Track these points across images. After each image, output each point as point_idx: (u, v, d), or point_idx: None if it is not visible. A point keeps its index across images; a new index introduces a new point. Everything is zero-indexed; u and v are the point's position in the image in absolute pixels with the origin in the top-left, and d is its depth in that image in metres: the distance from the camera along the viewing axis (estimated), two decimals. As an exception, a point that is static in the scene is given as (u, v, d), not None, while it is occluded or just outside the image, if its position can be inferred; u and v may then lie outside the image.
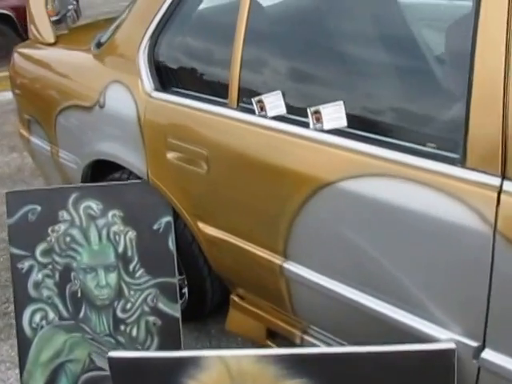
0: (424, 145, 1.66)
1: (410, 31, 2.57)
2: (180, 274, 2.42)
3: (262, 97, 1.93)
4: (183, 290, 2.51)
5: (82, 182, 2.60)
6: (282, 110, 1.90)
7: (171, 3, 2.19)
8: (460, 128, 1.52)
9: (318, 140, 1.80)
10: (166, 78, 2.30)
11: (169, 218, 2.35)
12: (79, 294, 2.27)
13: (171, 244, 2.31)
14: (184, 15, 2.23)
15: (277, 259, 1.98)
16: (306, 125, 1.83)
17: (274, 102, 1.91)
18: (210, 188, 2.13)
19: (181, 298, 2.43)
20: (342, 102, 1.76)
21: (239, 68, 1.99)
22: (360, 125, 1.78)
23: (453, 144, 1.57)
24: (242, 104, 2.02)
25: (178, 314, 2.28)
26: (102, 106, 2.42)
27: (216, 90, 2.14)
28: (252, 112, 1.97)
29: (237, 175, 2.03)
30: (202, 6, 2.31)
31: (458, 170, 1.52)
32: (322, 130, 1.80)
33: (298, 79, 2.09)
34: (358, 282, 1.78)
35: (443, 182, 1.54)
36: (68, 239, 2.30)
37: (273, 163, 1.90)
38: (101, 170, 2.56)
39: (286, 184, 1.87)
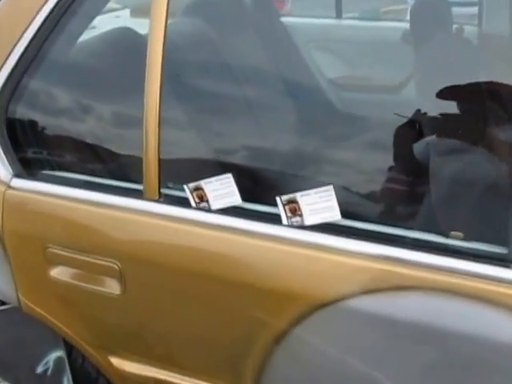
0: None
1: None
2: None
3: (202, 183, 1.33)
4: None
5: None
6: (234, 200, 1.32)
7: (40, 28, 1.45)
8: None
9: (300, 241, 1.26)
10: (33, 155, 1.57)
11: (59, 353, 1.64)
12: None
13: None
14: (59, 51, 1.52)
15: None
16: (274, 218, 1.28)
17: (221, 189, 1.32)
18: (128, 314, 1.47)
19: None
20: (331, 187, 1.23)
21: (157, 136, 1.35)
22: (363, 214, 1.27)
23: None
24: (166, 192, 1.39)
25: None
26: None
27: (122, 172, 1.49)
28: (184, 204, 1.36)
29: (170, 296, 1.40)
30: (88, 36, 1.63)
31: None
32: (303, 227, 1.26)
33: (257, 151, 1.52)
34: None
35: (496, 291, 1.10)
36: None
37: (230, 279, 1.31)
38: None
39: (254, 308, 1.30)
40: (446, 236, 1.20)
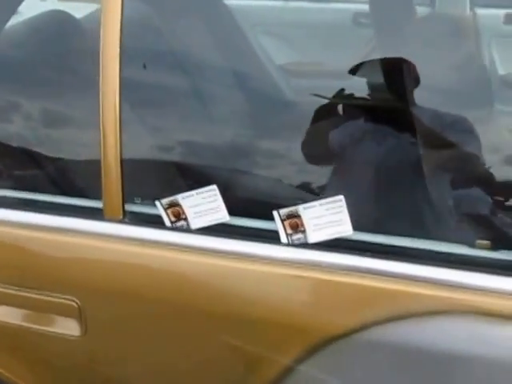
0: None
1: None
2: None
3: (179, 197, 1.09)
4: None
5: None
6: (221, 217, 1.09)
7: None
8: None
9: (304, 262, 1.05)
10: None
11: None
12: None
13: None
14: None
15: None
16: (270, 236, 1.07)
17: (204, 204, 1.08)
18: (90, 358, 1.21)
19: None
20: (341, 197, 1.02)
21: (118, 139, 1.10)
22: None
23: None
24: (132, 209, 1.14)
25: None
26: None
27: (73, 187, 1.23)
28: (156, 224, 1.12)
29: (142, 336, 1.16)
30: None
31: None
32: (306, 245, 1.05)
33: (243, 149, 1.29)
34: None
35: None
36: None
37: (218, 311, 1.09)
38: None
39: (249, 344, 1.08)
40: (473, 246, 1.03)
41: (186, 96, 1.66)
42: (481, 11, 2.26)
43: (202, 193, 1.07)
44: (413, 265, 1.00)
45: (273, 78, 2.38)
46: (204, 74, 1.83)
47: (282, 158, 1.59)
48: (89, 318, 1.14)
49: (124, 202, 1.12)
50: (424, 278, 0.98)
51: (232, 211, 1.09)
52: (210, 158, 1.55)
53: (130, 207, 1.14)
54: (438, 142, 1.25)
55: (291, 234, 1.05)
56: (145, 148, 1.28)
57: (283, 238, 1.05)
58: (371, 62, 1.39)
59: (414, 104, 1.28)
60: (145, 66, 1.24)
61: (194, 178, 1.18)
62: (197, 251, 1.09)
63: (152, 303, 1.11)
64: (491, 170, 1.22)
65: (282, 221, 1.04)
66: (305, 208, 1.03)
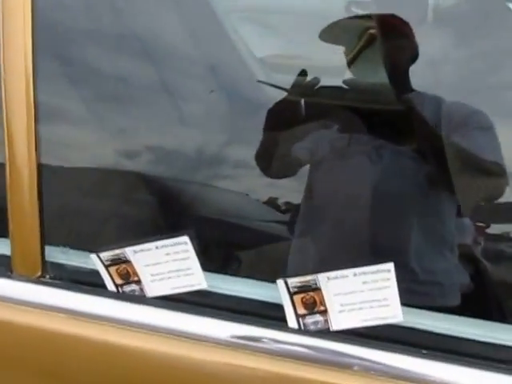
0: None
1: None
2: None
3: (127, 251, 0.69)
4: None
5: None
6: (195, 282, 0.70)
7: None
8: None
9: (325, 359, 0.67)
10: None
11: None
12: None
13: None
14: None
15: None
16: (275, 320, 0.69)
17: (168, 263, 0.69)
18: None
19: None
20: (391, 265, 0.65)
21: (33, 156, 0.71)
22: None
23: None
24: (55, 261, 0.75)
25: None
26: None
27: None
28: (93, 285, 0.72)
29: None
30: None
31: None
32: (327, 333, 0.67)
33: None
34: None
35: None
36: None
37: None
38: None
39: None
40: None
41: (147, 92, 1.31)
42: None
43: (166, 246, 0.68)
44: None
45: (251, 73, 2.02)
46: (170, 65, 1.47)
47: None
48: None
49: (43, 252, 0.72)
50: None
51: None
52: (176, 174, 1.19)
53: (52, 259, 0.74)
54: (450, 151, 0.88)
55: (303, 317, 0.67)
56: (78, 164, 0.88)
57: (292, 322, 0.67)
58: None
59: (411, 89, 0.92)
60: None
61: (152, 217, 0.79)
62: (157, 332, 0.70)
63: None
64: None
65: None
66: (328, 279, 0.65)
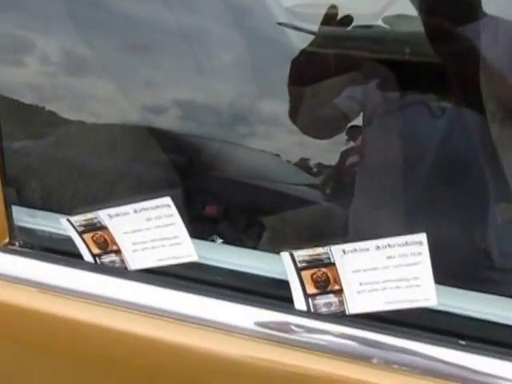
0: None
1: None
2: None
3: (102, 215, 0.57)
4: None
5: None
6: (184, 254, 0.57)
7: None
8: None
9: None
10: None
11: None
12: None
13: None
14: None
15: None
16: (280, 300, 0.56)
17: (151, 231, 0.57)
18: None
19: None
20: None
21: None
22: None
23: None
24: (25, 226, 0.64)
25: None
26: None
27: None
28: (67, 255, 0.61)
29: None
30: None
31: None
32: (346, 316, 0.54)
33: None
34: None
35: None
36: None
37: None
38: None
39: None
40: None
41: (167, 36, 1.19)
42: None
43: (146, 209, 0.55)
44: None
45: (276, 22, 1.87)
46: (196, 13, 1.35)
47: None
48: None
49: (10, 213, 0.61)
50: None
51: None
52: (198, 130, 1.08)
53: (22, 222, 0.63)
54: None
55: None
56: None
57: (300, 304, 0.55)
58: None
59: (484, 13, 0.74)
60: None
61: (167, 176, 0.69)
62: (142, 311, 0.58)
63: None
64: None
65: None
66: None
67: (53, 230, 0.64)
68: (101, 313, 0.59)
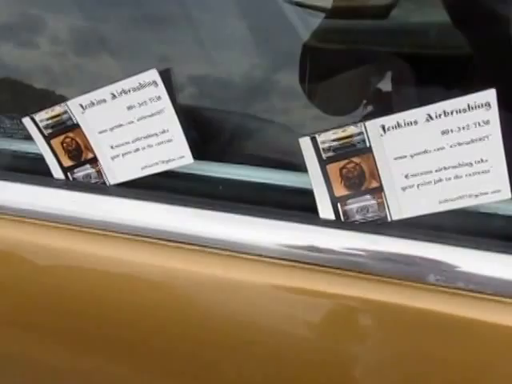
0: None
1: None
2: None
3: (72, 105, 0.45)
4: None
5: None
6: (178, 155, 0.45)
7: None
8: None
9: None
10: None
11: None
12: None
13: None
14: None
15: None
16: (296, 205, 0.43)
17: (131, 125, 0.45)
18: None
19: None
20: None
21: None
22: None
23: None
24: None
25: None
26: None
27: None
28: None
29: None
30: None
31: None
32: (386, 224, 0.41)
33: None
34: None
35: None
36: None
37: None
38: None
39: None
40: None
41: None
42: None
43: (127, 92, 0.43)
44: None
45: (282, 12, 1.79)
46: None
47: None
48: None
49: None
50: None
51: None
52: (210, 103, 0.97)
53: None
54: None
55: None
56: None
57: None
58: None
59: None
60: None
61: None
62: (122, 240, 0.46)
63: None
64: None
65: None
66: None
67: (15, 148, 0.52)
68: (77, 238, 0.47)
